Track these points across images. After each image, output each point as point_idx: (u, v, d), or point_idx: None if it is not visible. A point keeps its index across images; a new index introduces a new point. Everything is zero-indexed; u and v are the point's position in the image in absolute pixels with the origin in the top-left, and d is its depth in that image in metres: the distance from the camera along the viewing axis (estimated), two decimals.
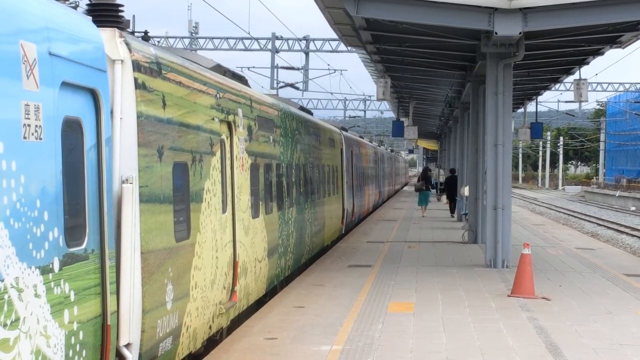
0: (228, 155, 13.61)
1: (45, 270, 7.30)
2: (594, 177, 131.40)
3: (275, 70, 55.11)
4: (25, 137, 7.01)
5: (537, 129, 41.05)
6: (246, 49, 57.50)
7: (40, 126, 7.25)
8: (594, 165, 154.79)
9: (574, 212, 66.03)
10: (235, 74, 15.66)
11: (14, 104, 6.88)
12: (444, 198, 53.41)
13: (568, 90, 68.45)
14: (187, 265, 11.06)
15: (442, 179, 69.07)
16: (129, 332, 9.07)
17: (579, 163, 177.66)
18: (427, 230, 35.55)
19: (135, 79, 9.43)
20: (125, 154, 9.25)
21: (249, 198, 14.99)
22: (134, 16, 12.36)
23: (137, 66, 9.48)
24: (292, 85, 51.36)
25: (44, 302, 7.28)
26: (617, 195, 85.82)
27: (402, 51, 26.47)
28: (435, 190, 63.27)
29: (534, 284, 17.96)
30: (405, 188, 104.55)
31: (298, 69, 56.31)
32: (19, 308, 6.86)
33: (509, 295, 17.71)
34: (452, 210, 44.78)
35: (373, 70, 34.34)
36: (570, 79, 34.70)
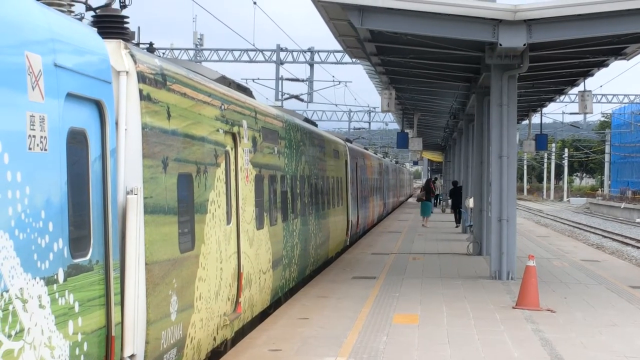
0: (232, 166, 13.62)
1: (49, 281, 7.30)
2: (599, 189, 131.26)
3: (280, 81, 55.18)
4: (30, 148, 7.03)
5: (541, 141, 41.09)
6: (251, 61, 57.60)
7: (45, 137, 7.27)
8: (599, 177, 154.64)
9: (579, 224, 65.94)
10: (240, 86, 15.68)
11: (19, 115, 6.90)
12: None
13: (573, 102, 68.50)
14: (191, 277, 11.06)
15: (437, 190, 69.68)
16: (134, 343, 9.07)
17: (584, 175, 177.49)
18: (432, 242, 35.52)
19: (140, 91, 9.45)
20: (130, 165, 9.25)
21: (254, 209, 14.99)
22: (139, 28, 12.38)
23: (142, 78, 9.50)
24: (296, 97, 51.43)
25: (48, 313, 7.28)
26: (622, 207, 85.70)
27: (407, 63, 26.49)
28: (436, 201, 63.64)
29: (539, 295, 17.93)
30: (410, 200, 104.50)
31: (303, 80, 56.37)
32: (23, 319, 6.86)
33: (514, 307, 17.68)
34: (457, 221, 45.51)
35: (378, 82, 34.37)
36: (575, 90, 34.65)
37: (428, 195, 49.38)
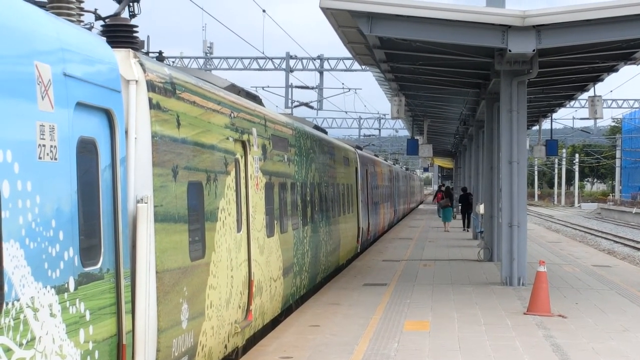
0: (243, 174, 13.63)
1: (60, 290, 7.32)
2: (610, 194, 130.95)
3: (290, 89, 55.24)
4: (40, 158, 7.05)
5: (552, 146, 41.00)
6: (260, 69, 57.68)
7: (55, 146, 7.29)
8: (610, 182, 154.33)
9: (590, 229, 65.79)
10: (249, 93, 15.70)
11: (29, 124, 6.93)
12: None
13: (583, 107, 68.35)
14: (202, 285, 11.07)
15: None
16: (145, 352, 9.08)
17: (595, 180, 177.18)
18: (443, 248, 35.48)
19: (150, 99, 9.47)
20: (140, 174, 9.28)
21: (264, 217, 15.00)
22: (148, 37, 12.43)
23: (151, 86, 9.53)
24: (306, 105, 51.47)
25: (59, 322, 7.30)
26: (633, 212, 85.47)
27: (416, 69, 26.49)
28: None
29: (550, 301, 17.90)
30: (421, 206, 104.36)
31: (312, 88, 56.42)
32: (34, 327, 6.88)
33: (525, 313, 17.65)
34: (464, 225, 48.05)
35: (387, 89, 34.37)
36: (585, 95, 34.60)
37: (450, 202, 50.82)
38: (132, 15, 11.09)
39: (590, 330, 15.91)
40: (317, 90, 57.77)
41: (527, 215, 23.23)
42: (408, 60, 25.07)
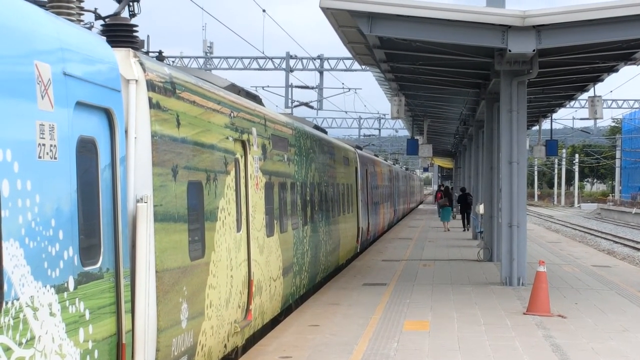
0: (242, 174, 13.63)
1: (60, 289, 7.33)
2: (610, 195, 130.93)
3: (290, 89, 55.24)
4: (40, 157, 7.05)
5: (552, 147, 41.03)
6: (260, 69, 57.70)
7: (55, 146, 7.29)
8: (610, 182, 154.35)
9: (590, 229, 65.78)
10: (249, 93, 15.70)
11: (29, 123, 6.93)
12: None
13: (583, 107, 68.37)
14: (201, 284, 11.08)
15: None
16: (144, 351, 9.08)
17: (595, 180, 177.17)
18: (443, 248, 35.48)
19: (150, 99, 9.48)
20: (140, 173, 9.28)
21: (264, 217, 15.00)
22: (148, 36, 12.43)
23: (151, 86, 9.53)
24: (306, 104, 51.47)
25: (59, 321, 7.30)
26: (633, 212, 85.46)
27: (416, 69, 26.49)
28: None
29: (550, 301, 17.90)
30: (421, 206, 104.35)
31: (312, 87, 56.42)
32: (34, 327, 6.89)
33: (524, 313, 17.65)
34: (464, 225, 48.84)
35: (387, 89, 34.37)
36: (585, 96, 34.59)
37: (449, 201, 51.99)
38: (132, 14, 11.09)
39: (590, 331, 15.92)
40: (317, 90, 57.79)
41: (526, 215, 23.22)
42: (408, 60, 25.07)
